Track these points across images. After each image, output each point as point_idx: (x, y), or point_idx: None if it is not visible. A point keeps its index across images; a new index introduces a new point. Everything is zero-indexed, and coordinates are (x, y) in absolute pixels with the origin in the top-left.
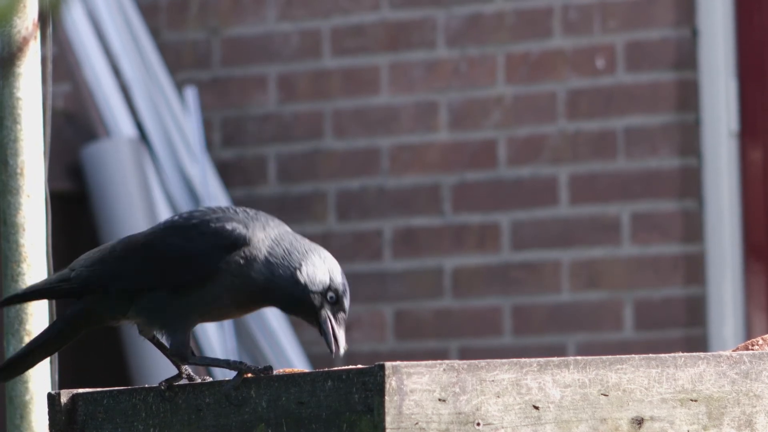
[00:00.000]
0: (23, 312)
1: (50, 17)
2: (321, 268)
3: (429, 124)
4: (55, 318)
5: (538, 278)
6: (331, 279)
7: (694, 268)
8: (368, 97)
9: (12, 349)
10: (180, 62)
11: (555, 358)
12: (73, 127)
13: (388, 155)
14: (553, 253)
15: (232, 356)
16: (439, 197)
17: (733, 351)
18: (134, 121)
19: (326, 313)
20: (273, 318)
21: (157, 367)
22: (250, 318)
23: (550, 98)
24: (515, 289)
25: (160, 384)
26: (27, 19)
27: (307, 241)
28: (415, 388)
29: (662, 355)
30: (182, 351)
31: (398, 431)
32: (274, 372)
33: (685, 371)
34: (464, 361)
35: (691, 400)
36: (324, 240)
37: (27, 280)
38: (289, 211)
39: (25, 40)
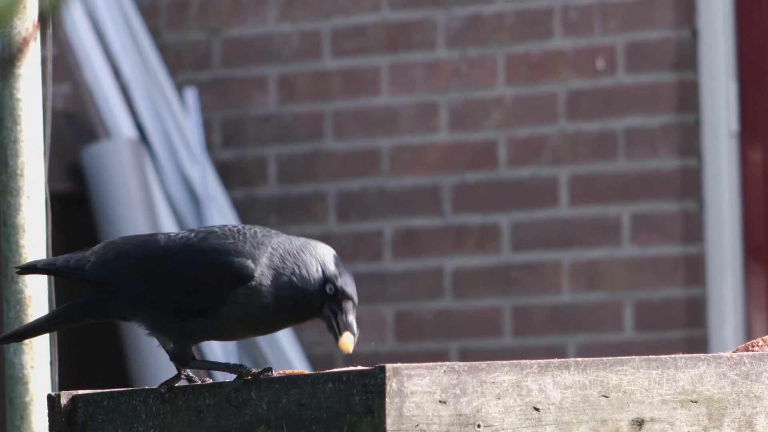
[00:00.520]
0: (23, 313)
1: (50, 18)
2: (312, 264)
3: (429, 124)
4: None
5: (539, 279)
6: (323, 271)
7: (695, 269)
8: (368, 98)
9: (12, 350)
10: (180, 63)
11: (555, 360)
12: (73, 128)
13: (389, 156)
14: (554, 254)
15: (233, 357)
16: (439, 198)
17: (734, 352)
18: (134, 121)
19: (327, 310)
20: None
21: (157, 367)
22: None
23: (551, 99)
24: (515, 289)
25: (160, 387)
26: (27, 20)
27: (299, 240)
28: (416, 390)
29: (662, 356)
30: (183, 356)
31: None
32: (275, 373)
33: (685, 372)
34: (465, 363)
35: (692, 402)
36: (324, 241)
37: (27, 281)
38: (289, 211)
39: (25, 41)
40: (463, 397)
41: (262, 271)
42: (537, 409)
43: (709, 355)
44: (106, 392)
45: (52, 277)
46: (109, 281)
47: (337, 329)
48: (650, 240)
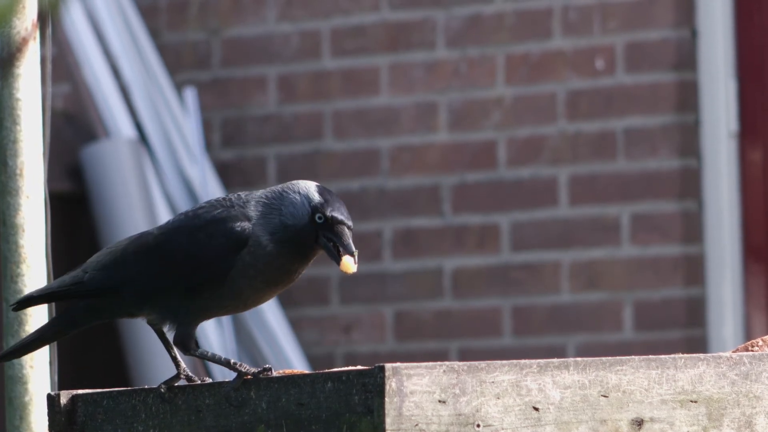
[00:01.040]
0: (23, 313)
1: (49, 18)
2: (297, 200)
3: (429, 124)
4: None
5: (538, 279)
6: (309, 203)
7: (694, 269)
8: (368, 98)
9: None
10: (180, 63)
11: (555, 360)
12: (73, 128)
13: (388, 156)
14: (553, 254)
15: (232, 357)
16: (439, 198)
17: (733, 352)
18: (134, 121)
19: (322, 239)
20: (273, 318)
21: (156, 366)
22: (250, 318)
23: (550, 99)
24: (515, 289)
25: (159, 386)
26: (26, 20)
27: (280, 185)
28: (415, 390)
29: (662, 356)
30: (186, 342)
31: None
32: (274, 373)
33: (684, 372)
34: (464, 363)
35: (691, 401)
36: None
37: (26, 281)
38: None
39: (25, 41)
40: (462, 396)
41: (255, 224)
42: (536, 409)
43: (709, 355)
44: (106, 392)
45: (52, 277)
46: (112, 282)
47: (336, 254)
48: (650, 240)
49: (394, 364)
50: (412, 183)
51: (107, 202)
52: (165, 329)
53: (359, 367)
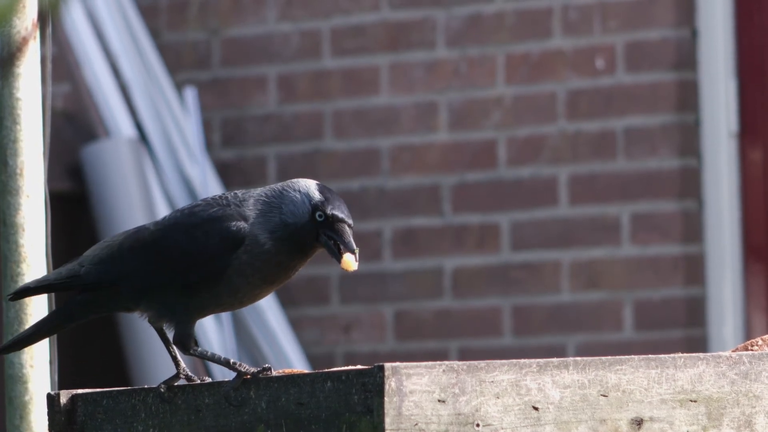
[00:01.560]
0: (23, 312)
1: (50, 17)
2: (297, 198)
3: (429, 124)
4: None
5: (538, 278)
6: (309, 201)
7: (694, 269)
8: (368, 98)
9: None
10: (180, 63)
11: (554, 359)
12: (73, 128)
13: (388, 156)
14: (553, 254)
15: (232, 357)
16: (439, 197)
17: (733, 352)
18: (134, 121)
19: (323, 237)
20: (273, 318)
21: (156, 365)
22: (250, 318)
23: (550, 98)
24: (515, 289)
25: (159, 386)
26: (26, 20)
27: (279, 184)
28: (415, 389)
29: (662, 355)
30: (185, 341)
31: None
32: (274, 373)
33: (684, 372)
34: (464, 362)
35: (691, 401)
36: None
37: (26, 280)
38: None
39: (25, 41)
40: (462, 396)
41: (253, 223)
42: (536, 409)
43: (709, 354)
44: (106, 391)
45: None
46: (108, 277)
47: (336, 252)
48: (650, 240)
49: (393, 364)
50: (412, 183)
51: (107, 202)
52: (163, 326)
53: (359, 367)
